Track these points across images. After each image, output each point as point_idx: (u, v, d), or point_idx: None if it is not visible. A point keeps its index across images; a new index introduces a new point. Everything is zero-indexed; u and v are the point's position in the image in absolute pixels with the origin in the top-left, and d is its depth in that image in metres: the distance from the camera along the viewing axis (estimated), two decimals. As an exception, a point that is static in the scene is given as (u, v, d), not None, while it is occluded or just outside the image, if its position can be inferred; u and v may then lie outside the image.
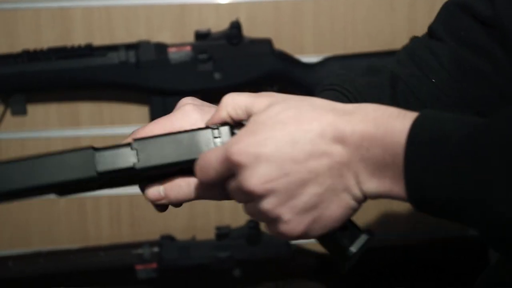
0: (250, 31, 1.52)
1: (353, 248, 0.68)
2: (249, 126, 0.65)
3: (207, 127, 0.70)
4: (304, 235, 0.65)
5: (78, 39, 1.51)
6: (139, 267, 1.48)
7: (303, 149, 0.62)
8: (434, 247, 1.57)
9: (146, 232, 1.62)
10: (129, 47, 1.45)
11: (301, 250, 1.54)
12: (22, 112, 1.53)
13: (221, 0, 1.53)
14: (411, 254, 1.56)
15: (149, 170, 0.70)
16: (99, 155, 0.70)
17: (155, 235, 1.57)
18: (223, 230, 1.51)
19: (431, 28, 0.88)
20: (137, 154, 0.70)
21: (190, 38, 1.51)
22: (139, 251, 1.49)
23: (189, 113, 0.72)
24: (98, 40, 1.51)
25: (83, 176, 0.69)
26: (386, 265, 1.54)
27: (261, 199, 0.64)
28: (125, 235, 1.62)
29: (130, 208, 1.62)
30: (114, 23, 1.52)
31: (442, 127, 0.60)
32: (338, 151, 0.62)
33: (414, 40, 0.89)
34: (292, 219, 0.64)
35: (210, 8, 1.53)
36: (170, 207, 0.77)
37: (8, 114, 1.54)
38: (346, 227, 0.68)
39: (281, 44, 1.53)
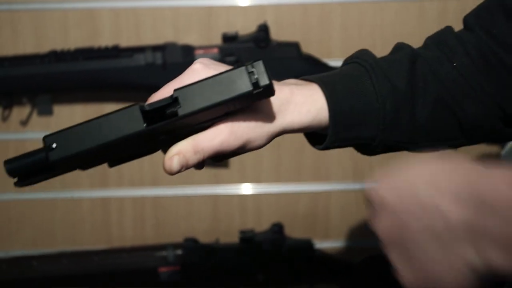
0: (277, 34, 1.51)
1: None
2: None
3: (241, 65, 0.71)
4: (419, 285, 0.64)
5: (105, 40, 1.51)
6: (162, 269, 1.48)
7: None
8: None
9: (169, 234, 1.62)
10: (155, 48, 1.45)
11: (324, 255, 1.53)
12: (48, 112, 1.54)
13: (248, 2, 1.52)
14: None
15: (193, 115, 0.71)
16: (144, 109, 0.71)
17: (178, 238, 1.57)
18: (247, 234, 1.50)
19: (465, 19, 0.88)
20: (179, 103, 0.71)
21: (217, 40, 1.50)
22: (163, 253, 1.49)
23: (198, 72, 0.74)
24: (125, 41, 1.51)
25: (131, 131, 0.71)
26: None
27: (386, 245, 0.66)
28: (149, 237, 1.62)
29: (154, 210, 1.62)
30: (141, 24, 1.52)
31: None
32: (458, 210, 0.58)
33: (445, 27, 0.88)
34: (401, 266, 0.66)
35: (237, 11, 1.52)
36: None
37: (35, 114, 1.54)
38: None
39: (309, 47, 1.52)
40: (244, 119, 0.73)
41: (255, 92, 0.70)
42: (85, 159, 0.73)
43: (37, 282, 1.49)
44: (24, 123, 1.55)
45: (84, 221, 1.62)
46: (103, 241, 1.62)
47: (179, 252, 1.49)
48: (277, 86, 0.75)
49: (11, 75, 1.43)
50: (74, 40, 1.51)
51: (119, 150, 0.74)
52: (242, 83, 0.70)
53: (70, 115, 1.56)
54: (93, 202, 1.61)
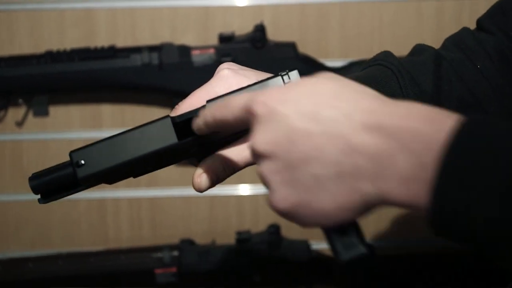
0: (274, 34, 1.50)
1: (344, 256, 0.61)
2: (286, 84, 0.62)
3: (277, 75, 0.69)
4: (288, 215, 0.59)
5: (101, 41, 1.51)
6: (158, 271, 1.48)
7: (320, 123, 0.55)
8: (456, 256, 1.55)
9: (166, 235, 1.61)
10: (152, 49, 1.44)
11: (321, 256, 1.53)
12: (44, 113, 1.53)
13: (245, 3, 1.52)
14: (433, 262, 1.54)
15: None
16: (175, 121, 0.69)
17: (175, 239, 1.57)
18: (244, 235, 1.50)
19: (479, 21, 0.87)
20: None
21: (214, 41, 1.50)
22: (159, 255, 1.49)
23: (226, 78, 0.71)
24: (122, 41, 1.51)
25: (164, 145, 0.69)
26: (407, 273, 1.52)
27: (260, 159, 0.58)
28: (145, 238, 1.62)
29: (151, 211, 1.62)
30: (137, 25, 1.52)
31: (494, 136, 0.52)
32: (364, 139, 0.54)
33: (462, 29, 0.87)
34: (279, 191, 0.58)
35: (234, 11, 1.52)
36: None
37: (30, 115, 1.54)
38: (345, 231, 0.60)
39: (306, 48, 1.51)
40: None
41: None
42: (115, 175, 0.72)
43: (34, 283, 1.49)
44: (20, 124, 1.55)
45: (81, 222, 1.61)
46: (100, 242, 1.61)
47: (176, 253, 1.49)
48: None
49: (7, 75, 1.42)
50: (70, 40, 1.51)
51: (149, 164, 0.72)
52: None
53: (66, 116, 1.55)
54: (90, 203, 1.60)
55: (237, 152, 0.71)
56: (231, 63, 0.74)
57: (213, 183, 0.72)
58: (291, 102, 0.56)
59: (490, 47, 0.83)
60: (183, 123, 0.69)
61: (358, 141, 0.54)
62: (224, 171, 0.71)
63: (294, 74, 0.69)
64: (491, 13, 0.87)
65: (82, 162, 0.70)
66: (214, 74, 0.73)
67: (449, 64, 0.82)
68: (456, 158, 0.51)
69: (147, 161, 0.71)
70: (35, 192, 0.73)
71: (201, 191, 0.72)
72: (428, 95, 0.78)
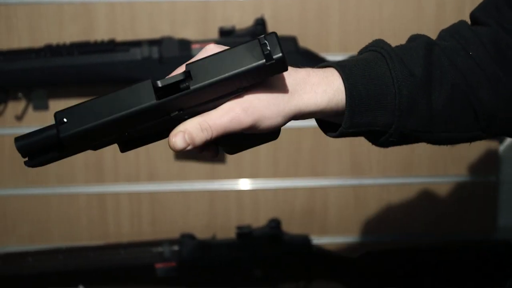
0: (274, 28, 1.50)
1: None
2: None
3: (254, 39, 0.70)
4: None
5: (101, 34, 1.50)
6: (159, 265, 1.48)
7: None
8: (457, 250, 1.55)
9: (166, 230, 1.61)
10: (152, 43, 1.44)
11: (321, 251, 1.53)
12: (44, 107, 1.53)
13: (246, -4, 1.51)
14: (432, 256, 1.54)
15: (205, 89, 0.70)
16: (157, 85, 0.70)
17: (175, 233, 1.56)
18: (244, 230, 1.50)
19: (474, 14, 0.87)
20: (191, 77, 0.70)
21: (214, 34, 1.49)
22: (159, 249, 1.48)
23: (212, 50, 0.73)
24: (121, 35, 1.50)
25: (143, 105, 0.70)
26: (407, 267, 1.52)
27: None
28: (145, 233, 1.61)
29: (151, 206, 1.61)
30: (137, 18, 1.51)
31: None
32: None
33: (459, 21, 0.87)
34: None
35: (234, 5, 1.51)
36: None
37: (30, 109, 1.54)
38: None
39: (306, 42, 1.51)
40: (258, 95, 0.72)
41: (267, 63, 0.69)
42: (96, 135, 0.72)
43: (33, 278, 1.49)
44: (20, 118, 1.54)
45: (80, 217, 1.61)
46: (100, 237, 1.61)
47: (176, 248, 1.49)
48: (293, 68, 0.75)
49: (6, 69, 1.42)
50: (69, 34, 1.50)
51: (131, 128, 0.72)
52: (254, 56, 0.69)
53: (65, 110, 1.54)
54: (89, 198, 1.60)
55: (218, 114, 0.72)
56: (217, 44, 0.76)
57: (187, 144, 0.72)
58: None
59: (485, 37, 0.83)
60: (166, 88, 0.70)
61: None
62: (202, 132, 0.72)
63: (272, 37, 0.70)
64: (485, 6, 0.87)
65: (65, 120, 0.70)
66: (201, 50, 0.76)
67: (441, 50, 0.82)
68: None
69: (128, 123, 0.71)
70: (21, 152, 0.73)
71: (175, 150, 0.73)
72: (418, 78, 0.78)
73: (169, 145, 0.73)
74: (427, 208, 1.64)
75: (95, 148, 0.74)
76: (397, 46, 0.82)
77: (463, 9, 1.51)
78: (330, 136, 0.80)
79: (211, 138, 0.72)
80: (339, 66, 0.77)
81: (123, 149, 0.77)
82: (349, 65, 0.77)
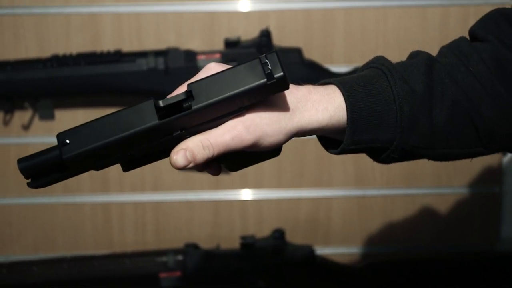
0: (280, 39, 1.51)
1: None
2: None
3: (254, 58, 0.71)
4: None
5: (107, 45, 1.51)
6: (163, 275, 1.48)
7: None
8: (460, 261, 1.55)
9: (170, 239, 1.61)
10: (158, 53, 1.44)
11: (325, 261, 1.53)
12: (50, 117, 1.54)
13: (249, 8, 1.52)
14: (436, 267, 1.54)
15: (207, 108, 0.71)
16: (159, 106, 0.71)
17: (179, 243, 1.57)
18: (248, 240, 1.50)
19: (472, 30, 0.88)
20: (193, 96, 0.71)
21: (220, 46, 1.50)
22: (164, 259, 1.49)
23: (214, 69, 0.74)
24: (127, 46, 1.51)
25: (145, 125, 0.70)
26: (410, 278, 1.52)
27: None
28: (150, 242, 1.62)
29: (155, 215, 1.62)
30: (143, 29, 1.52)
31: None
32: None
33: (460, 37, 0.88)
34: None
35: (239, 16, 1.52)
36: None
37: (36, 118, 1.54)
38: None
39: (311, 53, 1.51)
40: (259, 114, 0.73)
41: (269, 83, 0.70)
42: (98, 156, 0.72)
43: (38, 287, 1.49)
44: (26, 127, 1.55)
45: (85, 226, 1.61)
46: (104, 246, 1.61)
47: (180, 257, 1.49)
48: (294, 85, 0.75)
49: (13, 79, 1.43)
50: (76, 44, 1.51)
51: (134, 148, 0.73)
52: (256, 75, 0.70)
53: (71, 119, 1.55)
54: (94, 207, 1.60)
55: (220, 132, 0.72)
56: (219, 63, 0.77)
57: (188, 161, 0.73)
58: None
59: (485, 53, 0.83)
60: (167, 108, 0.71)
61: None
62: (203, 150, 0.72)
63: (273, 56, 0.71)
64: (484, 22, 0.87)
65: (67, 141, 0.71)
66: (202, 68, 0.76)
67: (442, 67, 0.82)
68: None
69: (131, 142, 0.72)
70: (24, 174, 0.74)
71: (176, 167, 0.73)
72: (419, 95, 0.78)
73: (171, 163, 0.74)
74: (430, 219, 1.64)
75: (98, 168, 0.75)
76: (397, 63, 0.82)
77: (467, 20, 1.52)
78: (331, 153, 0.80)
79: (212, 156, 0.73)
80: (340, 83, 0.78)
81: (126, 169, 0.77)
82: (350, 82, 0.78)
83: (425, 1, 1.53)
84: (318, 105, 0.75)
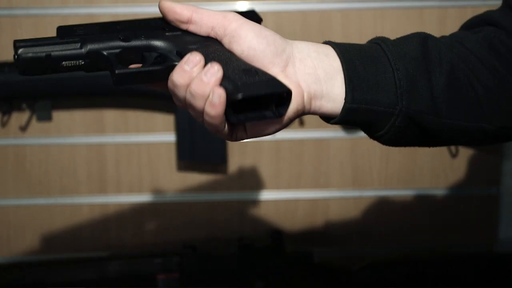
0: (277, 41, 1.51)
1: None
2: None
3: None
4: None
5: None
6: (160, 276, 1.48)
7: None
8: (458, 262, 1.55)
9: (168, 241, 1.61)
10: (155, 55, 1.44)
11: (323, 262, 1.53)
12: (48, 118, 1.54)
13: (248, 9, 1.52)
14: (434, 268, 1.54)
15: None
16: None
17: (177, 245, 1.57)
18: (246, 241, 1.50)
19: (464, 27, 0.88)
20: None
21: (217, 47, 1.50)
22: (161, 260, 1.48)
23: (234, 19, 0.76)
24: (125, 47, 1.51)
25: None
26: (408, 278, 1.52)
27: None
28: (147, 244, 1.62)
29: (153, 216, 1.62)
30: (141, 30, 1.52)
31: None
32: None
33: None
34: None
35: (237, 17, 1.52)
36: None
37: (34, 120, 1.54)
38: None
39: (308, 54, 1.52)
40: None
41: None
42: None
43: (35, 288, 1.49)
44: (24, 128, 1.55)
45: (83, 227, 1.61)
46: (102, 247, 1.61)
47: (178, 259, 1.49)
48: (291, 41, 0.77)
49: (11, 80, 1.43)
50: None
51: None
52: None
53: (69, 120, 1.55)
54: (92, 208, 1.60)
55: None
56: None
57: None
58: None
59: (480, 36, 0.83)
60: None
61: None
62: None
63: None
64: (474, 22, 0.88)
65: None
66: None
67: (437, 40, 0.81)
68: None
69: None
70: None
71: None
72: (414, 58, 0.77)
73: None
74: (428, 220, 1.64)
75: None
76: (394, 40, 0.82)
77: (464, 21, 1.52)
78: (332, 123, 0.78)
79: None
80: (334, 44, 0.78)
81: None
82: (344, 45, 0.78)
83: (422, 2, 1.53)
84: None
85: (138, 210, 1.61)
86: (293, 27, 1.53)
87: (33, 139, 1.56)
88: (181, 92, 0.72)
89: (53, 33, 1.26)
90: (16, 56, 0.72)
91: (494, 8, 0.89)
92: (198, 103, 0.70)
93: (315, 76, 0.75)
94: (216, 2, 1.51)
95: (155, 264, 1.49)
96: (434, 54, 0.79)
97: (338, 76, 0.75)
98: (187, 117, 1.48)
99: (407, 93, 0.76)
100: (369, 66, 0.76)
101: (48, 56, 0.72)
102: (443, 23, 1.53)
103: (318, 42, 1.58)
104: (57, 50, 0.72)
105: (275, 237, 1.51)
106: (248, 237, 1.51)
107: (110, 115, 1.56)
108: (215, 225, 1.62)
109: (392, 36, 1.57)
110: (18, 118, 1.55)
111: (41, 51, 0.72)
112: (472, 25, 0.88)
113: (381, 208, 1.63)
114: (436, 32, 1.49)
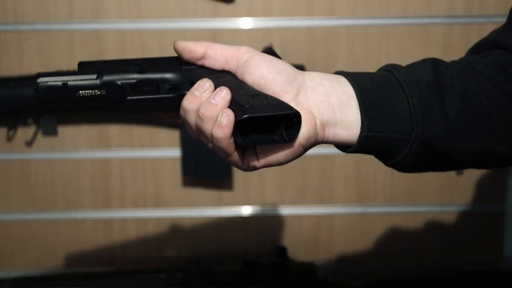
0: (283, 56, 1.50)
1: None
2: None
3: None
4: None
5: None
6: (164, 292, 1.47)
7: None
8: (462, 279, 1.55)
9: (172, 256, 1.61)
10: (161, 70, 1.45)
11: (327, 278, 1.53)
12: (53, 132, 1.54)
13: (251, 26, 1.53)
14: (438, 285, 1.53)
15: None
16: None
17: (181, 260, 1.56)
18: (250, 257, 1.50)
19: (471, 51, 0.88)
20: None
21: (222, 62, 1.51)
22: (165, 275, 1.48)
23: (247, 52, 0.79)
24: (131, 62, 1.51)
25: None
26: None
27: None
28: (152, 259, 1.61)
29: (157, 232, 1.61)
30: (147, 46, 1.53)
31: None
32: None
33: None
34: None
35: (243, 33, 1.53)
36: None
37: (40, 134, 1.55)
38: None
39: (314, 70, 1.51)
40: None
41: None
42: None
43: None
44: (29, 143, 1.55)
45: (87, 242, 1.61)
46: (106, 262, 1.61)
47: (182, 274, 1.49)
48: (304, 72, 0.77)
49: (17, 95, 1.43)
50: (80, 60, 1.52)
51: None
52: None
53: (74, 135, 1.56)
54: (96, 223, 1.60)
55: None
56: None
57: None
58: None
59: (489, 57, 0.83)
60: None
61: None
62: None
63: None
64: (480, 46, 0.88)
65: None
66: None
67: (448, 64, 0.81)
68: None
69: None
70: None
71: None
72: (426, 83, 0.77)
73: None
74: (433, 237, 1.64)
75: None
76: (406, 66, 0.82)
77: (469, 39, 1.52)
78: (348, 152, 0.78)
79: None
80: (347, 74, 0.77)
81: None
82: (357, 74, 0.78)
83: (427, 19, 1.54)
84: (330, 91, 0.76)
85: (142, 225, 1.61)
86: (298, 44, 1.54)
87: (38, 154, 1.56)
88: (191, 118, 0.74)
89: (59, 48, 1.30)
90: (35, 86, 0.75)
91: (499, 25, 0.89)
92: (206, 127, 0.72)
93: (328, 103, 0.75)
94: (219, 18, 1.52)
95: (159, 279, 1.48)
96: (446, 79, 0.79)
97: (352, 103, 0.75)
98: (192, 133, 1.48)
99: (422, 119, 0.76)
100: (383, 94, 0.76)
101: (65, 85, 0.75)
102: (448, 40, 1.54)
103: (323, 58, 1.59)
104: (73, 80, 0.75)
105: (280, 253, 1.50)
106: (253, 253, 1.51)
107: (115, 130, 1.57)
108: (220, 240, 1.62)
109: (397, 53, 1.58)
110: (24, 132, 1.55)
111: (58, 80, 0.75)
112: (479, 48, 0.88)
113: (386, 225, 1.63)
114: (442, 50, 1.48)
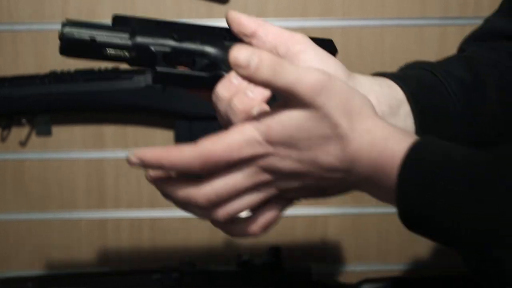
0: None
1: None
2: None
3: None
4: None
5: (105, 62, 1.51)
6: (158, 293, 1.47)
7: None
8: (457, 280, 1.55)
9: (166, 257, 1.61)
10: (155, 71, 1.45)
11: (321, 279, 1.53)
12: (47, 132, 1.54)
13: (249, 26, 1.53)
14: (432, 286, 1.54)
15: None
16: None
17: (175, 261, 1.56)
18: (244, 258, 1.50)
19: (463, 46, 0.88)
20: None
21: (217, 63, 1.51)
22: (159, 276, 1.48)
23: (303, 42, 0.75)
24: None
25: None
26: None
27: None
28: (146, 260, 1.61)
29: (151, 232, 1.61)
30: (141, 46, 1.52)
31: (437, 150, 0.60)
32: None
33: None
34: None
35: (237, 34, 1.53)
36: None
37: (33, 134, 1.54)
38: None
39: (308, 71, 1.52)
40: None
41: None
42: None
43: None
44: (23, 143, 1.55)
45: (81, 243, 1.61)
46: (100, 263, 1.61)
47: (176, 275, 1.49)
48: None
49: (11, 95, 1.43)
50: (74, 61, 1.51)
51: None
52: None
53: (69, 135, 1.56)
54: (91, 223, 1.60)
55: None
56: None
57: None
58: None
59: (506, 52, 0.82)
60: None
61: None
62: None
63: None
64: (479, 35, 0.87)
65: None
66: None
67: (475, 58, 0.80)
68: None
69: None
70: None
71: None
72: (467, 82, 0.75)
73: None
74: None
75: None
76: (438, 63, 0.80)
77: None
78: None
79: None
80: (389, 74, 0.75)
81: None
82: (403, 76, 0.75)
83: (422, 20, 1.54)
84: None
85: (137, 226, 1.61)
86: (293, 44, 1.53)
87: (32, 154, 1.56)
88: (222, 107, 0.65)
89: (55, 48, 1.27)
90: (60, 35, 0.71)
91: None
92: (237, 121, 0.63)
93: (379, 112, 0.68)
94: (214, 19, 1.52)
95: (153, 280, 1.48)
96: (481, 73, 0.77)
97: (401, 110, 0.72)
98: (187, 132, 1.48)
99: (469, 118, 0.74)
100: (433, 97, 0.73)
101: (93, 41, 0.71)
102: (443, 41, 1.54)
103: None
104: (103, 36, 0.70)
105: (274, 253, 1.50)
106: (247, 254, 1.51)
107: (110, 130, 1.56)
108: (214, 241, 1.62)
109: (392, 54, 1.58)
110: (18, 133, 1.55)
111: (86, 33, 0.71)
112: (477, 39, 0.87)
113: (381, 226, 1.63)
114: (437, 50, 1.49)
